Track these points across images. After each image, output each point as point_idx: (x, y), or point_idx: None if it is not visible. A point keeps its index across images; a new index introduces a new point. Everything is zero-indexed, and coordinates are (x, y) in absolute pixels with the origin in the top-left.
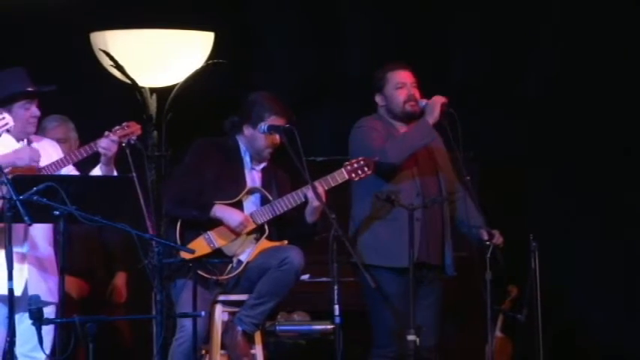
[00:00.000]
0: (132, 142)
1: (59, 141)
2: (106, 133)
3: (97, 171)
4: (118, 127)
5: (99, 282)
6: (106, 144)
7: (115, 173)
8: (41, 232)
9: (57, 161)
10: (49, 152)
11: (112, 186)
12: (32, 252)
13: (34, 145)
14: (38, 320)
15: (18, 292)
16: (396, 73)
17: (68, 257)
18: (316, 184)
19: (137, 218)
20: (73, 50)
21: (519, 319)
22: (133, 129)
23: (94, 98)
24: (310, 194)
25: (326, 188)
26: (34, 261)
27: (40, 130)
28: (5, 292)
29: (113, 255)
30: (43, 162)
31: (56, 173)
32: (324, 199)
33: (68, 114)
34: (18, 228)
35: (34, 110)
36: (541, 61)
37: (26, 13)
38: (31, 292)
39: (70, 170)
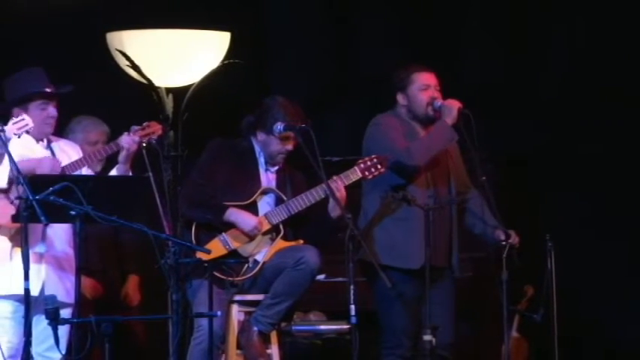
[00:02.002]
0: (153, 141)
1: (90, 144)
2: (130, 130)
3: (114, 172)
4: (138, 127)
5: (113, 282)
6: (128, 141)
7: (130, 173)
8: (60, 233)
9: (76, 161)
10: (68, 153)
11: (128, 186)
12: (50, 252)
13: (54, 145)
14: (54, 320)
15: (35, 292)
16: (421, 75)
17: (83, 257)
18: (335, 177)
19: (153, 218)
20: (89, 50)
21: (535, 319)
22: (154, 129)
23: (110, 98)
24: (334, 187)
25: (346, 183)
26: (52, 261)
27: (70, 132)
28: (19, 292)
29: (127, 256)
30: (63, 162)
31: (75, 173)
32: (344, 193)
33: (85, 114)
34: (36, 228)
35: (51, 110)
36: (556, 60)
37: (43, 14)
38: (48, 293)
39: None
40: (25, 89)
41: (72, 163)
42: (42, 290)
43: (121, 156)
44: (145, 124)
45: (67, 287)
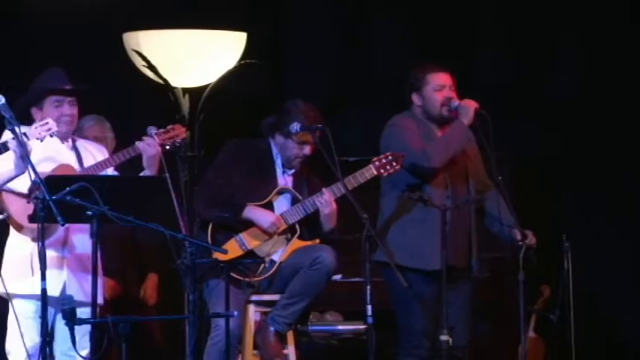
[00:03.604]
0: (177, 144)
1: (95, 140)
2: (148, 133)
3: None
4: (162, 130)
5: (130, 282)
6: (142, 146)
7: None
8: (82, 234)
9: (99, 163)
10: (93, 154)
11: (144, 186)
12: (73, 253)
13: (79, 145)
14: (71, 320)
15: (56, 292)
16: (436, 75)
17: (101, 257)
18: (325, 190)
19: (170, 218)
20: (106, 51)
21: (552, 319)
22: (178, 132)
23: (126, 99)
24: (320, 201)
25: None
26: (74, 262)
27: (77, 130)
28: (48, 292)
29: (145, 256)
30: (87, 163)
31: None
32: (333, 205)
33: (101, 114)
34: (58, 229)
35: (66, 108)
36: (570, 60)
37: (60, 14)
38: (71, 293)
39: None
40: (39, 87)
41: (95, 164)
42: (63, 290)
43: (145, 160)
44: (169, 126)
45: (89, 288)
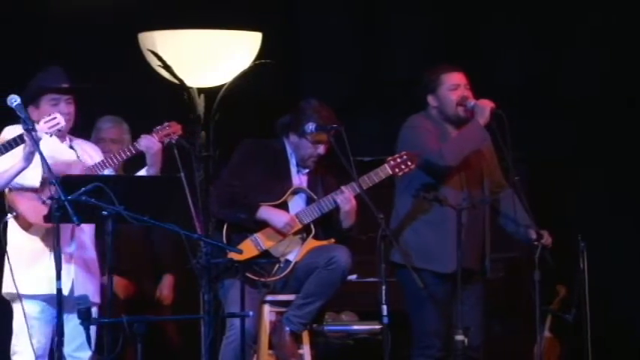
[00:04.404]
0: (173, 141)
1: (113, 142)
2: (151, 132)
3: (142, 173)
4: (159, 127)
5: (146, 283)
6: (145, 143)
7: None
8: (87, 234)
9: (98, 164)
10: (90, 154)
11: (160, 186)
12: (79, 252)
13: (75, 144)
14: (87, 320)
15: (65, 292)
16: (450, 75)
17: (114, 257)
18: (343, 188)
19: (185, 218)
20: (121, 51)
21: (568, 319)
22: (174, 128)
23: (142, 99)
24: (340, 199)
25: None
26: (80, 261)
27: (95, 131)
28: (51, 292)
29: (160, 256)
30: (86, 162)
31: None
32: (353, 202)
33: (116, 114)
34: (65, 229)
35: (62, 107)
36: (588, 60)
37: (76, 14)
38: (78, 293)
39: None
40: (37, 85)
41: (96, 164)
42: (71, 290)
43: (147, 158)
44: (165, 123)
45: (94, 288)
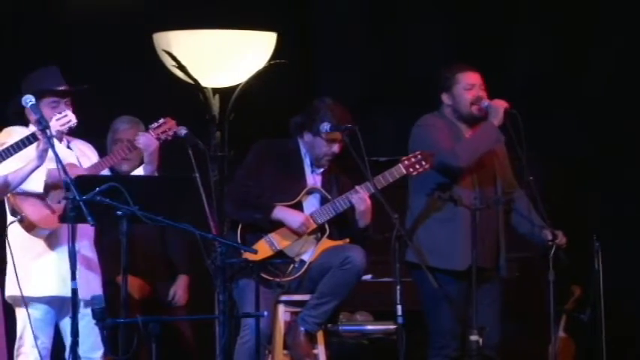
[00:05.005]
0: (170, 137)
1: (129, 143)
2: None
3: (139, 171)
4: (154, 124)
5: (160, 283)
6: (143, 141)
7: (156, 173)
8: (87, 234)
9: (96, 164)
10: (86, 154)
11: (174, 186)
12: (81, 253)
13: (72, 145)
14: (101, 320)
15: (69, 292)
16: (465, 75)
17: (129, 258)
18: (358, 188)
19: (200, 219)
20: (136, 51)
21: (582, 319)
22: (170, 124)
23: (157, 99)
24: (355, 198)
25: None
26: (83, 261)
27: (111, 131)
28: (53, 293)
29: (175, 256)
30: (84, 164)
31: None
32: (368, 202)
33: (131, 114)
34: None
35: (62, 108)
36: (603, 59)
37: (91, 15)
38: (81, 293)
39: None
40: (35, 87)
41: (93, 165)
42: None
43: (144, 156)
44: (160, 120)
45: (96, 287)
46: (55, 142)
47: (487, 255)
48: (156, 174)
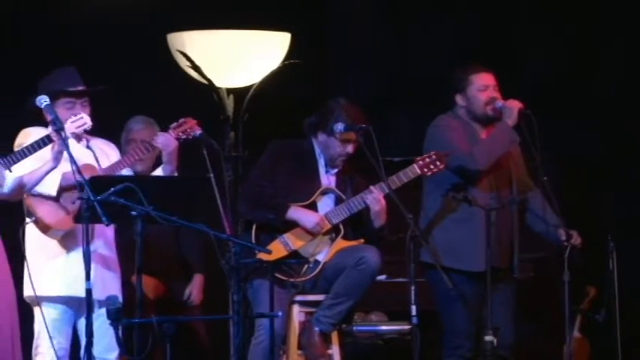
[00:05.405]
0: (190, 137)
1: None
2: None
3: (159, 171)
4: (174, 124)
5: (175, 282)
6: (162, 141)
7: (176, 173)
8: (106, 234)
9: (115, 163)
10: (107, 152)
11: (189, 186)
12: (98, 252)
13: (92, 144)
14: (116, 320)
15: (83, 292)
16: (479, 76)
17: (141, 257)
18: (372, 188)
19: (214, 219)
20: (150, 51)
21: (597, 319)
22: (190, 124)
23: (171, 99)
24: (369, 199)
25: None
26: (99, 261)
27: (125, 131)
28: (69, 293)
29: (190, 256)
30: (103, 163)
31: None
32: (383, 202)
33: (144, 114)
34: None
35: (78, 110)
36: (615, 59)
37: (105, 16)
38: (96, 293)
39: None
40: (50, 88)
41: (112, 165)
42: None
43: (164, 155)
44: (180, 120)
45: (114, 287)
46: (74, 142)
47: (502, 255)
48: (175, 174)
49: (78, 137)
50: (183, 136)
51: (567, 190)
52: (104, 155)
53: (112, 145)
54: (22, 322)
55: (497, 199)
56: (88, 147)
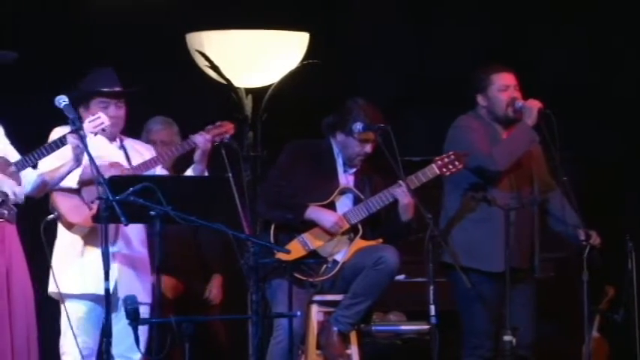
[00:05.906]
0: (225, 140)
1: (162, 143)
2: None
3: (189, 172)
4: (211, 126)
5: (194, 282)
6: (202, 140)
7: (206, 173)
8: (134, 232)
9: (149, 160)
10: (141, 152)
11: (207, 186)
12: (123, 251)
13: (127, 144)
14: (134, 320)
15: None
16: (500, 76)
17: (163, 257)
18: (400, 182)
19: (233, 219)
20: (169, 51)
21: (616, 319)
22: (227, 128)
23: (190, 99)
24: (398, 192)
25: (417, 184)
26: (125, 261)
27: (145, 132)
28: (97, 291)
29: (209, 256)
30: (136, 162)
31: (147, 172)
32: (410, 196)
33: (164, 115)
34: (109, 228)
35: (112, 110)
36: (637, 60)
37: (124, 16)
38: (122, 292)
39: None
40: (89, 88)
41: (145, 162)
42: (115, 290)
43: (196, 155)
44: (217, 123)
45: (143, 287)
46: (106, 141)
47: (522, 255)
48: (206, 173)
49: (112, 137)
50: (218, 139)
51: (587, 190)
52: (138, 154)
53: (148, 146)
54: (48, 318)
55: (517, 199)
56: (121, 147)
